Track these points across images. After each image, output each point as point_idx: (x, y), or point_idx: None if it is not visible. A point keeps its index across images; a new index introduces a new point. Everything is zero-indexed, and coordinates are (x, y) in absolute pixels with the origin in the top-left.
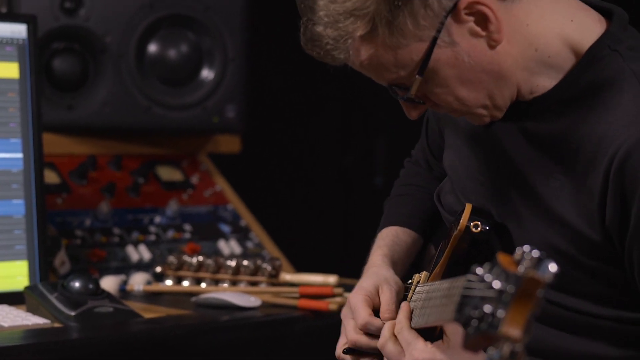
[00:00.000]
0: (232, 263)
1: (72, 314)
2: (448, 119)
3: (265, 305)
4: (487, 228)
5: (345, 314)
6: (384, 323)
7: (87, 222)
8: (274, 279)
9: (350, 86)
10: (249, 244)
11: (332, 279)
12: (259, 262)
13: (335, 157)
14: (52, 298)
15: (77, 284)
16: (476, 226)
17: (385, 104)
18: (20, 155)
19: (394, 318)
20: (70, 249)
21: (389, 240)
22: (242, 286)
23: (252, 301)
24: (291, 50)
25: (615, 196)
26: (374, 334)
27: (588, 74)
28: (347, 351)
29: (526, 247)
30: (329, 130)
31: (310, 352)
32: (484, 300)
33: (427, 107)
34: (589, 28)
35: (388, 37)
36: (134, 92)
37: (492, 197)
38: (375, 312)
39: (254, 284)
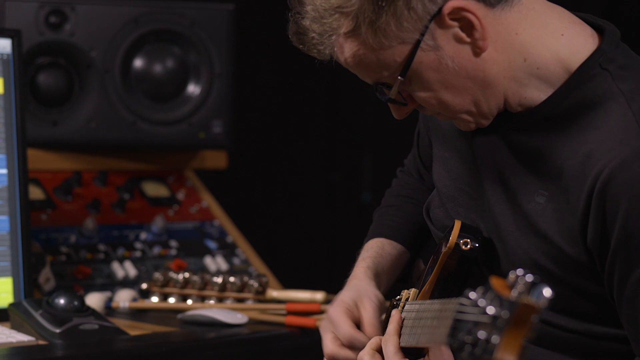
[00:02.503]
0: (219, 279)
1: (57, 331)
2: (437, 130)
3: (252, 322)
4: (477, 245)
5: (324, 326)
6: (369, 338)
7: (72, 238)
8: (260, 295)
9: (338, 102)
10: (236, 261)
11: (319, 295)
12: (245, 278)
13: (322, 173)
14: (37, 315)
15: (62, 301)
16: (466, 243)
17: (373, 120)
18: (4, 171)
19: (378, 334)
20: (55, 265)
21: (373, 252)
22: (228, 303)
23: (238, 318)
24: (277, 66)
25: (597, 217)
26: (360, 349)
27: (577, 92)
28: None
29: (519, 271)
30: (315, 146)
31: None
32: (478, 325)
33: (413, 108)
34: (580, 44)
35: (371, 37)
36: (120, 107)
37: (479, 210)
38: (356, 326)
39: (240, 300)
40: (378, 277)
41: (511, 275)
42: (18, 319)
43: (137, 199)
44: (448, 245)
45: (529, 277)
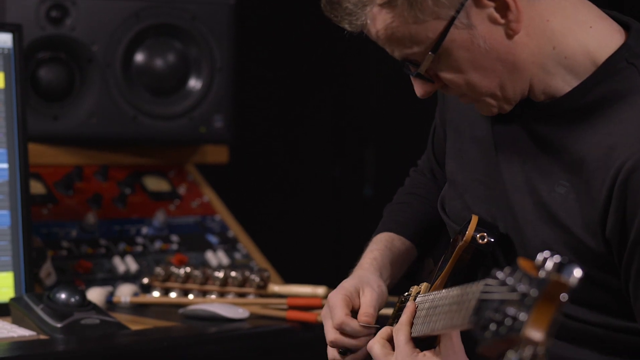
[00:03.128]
0: (220, 274)
1: (58, 325)
2: (454, 122)
3: (253, 316)
4: (493, 240)
5: (324, 314)
6: (360, 325)
7: (73, 233)
8: (262, 290)
9: (340, 96)
10: (237, 255)
11: (320, 290)
12: (247, 273)
13: (324, 167)
14: (38, 310)
15: (63, 296)
16: (482, 237)
17: (375, 114)
18: (5, 165)
19: (371, 322)
20: (56, 260)
21: (382, 245)
22: (230, 297)
23: (240, 313)
24: (279, 60)
25: (617, 209)
26: (350, 335)
27: (603, 85)
28: (343, 352)
29: (547, 253)
30: (318, 140)
31: None
32: (505, 303)
33: (437, 88)
34: (607, 38)
35: (407, 10)
36: (121, 102)
37: (496, 199)
38: (354, 313)
39: (242, 295)
40: (384, 269)
41: (539, 257)
42: (19, 314)
43: (138, 193)
44: (464, 239)
45: (557, 258)
